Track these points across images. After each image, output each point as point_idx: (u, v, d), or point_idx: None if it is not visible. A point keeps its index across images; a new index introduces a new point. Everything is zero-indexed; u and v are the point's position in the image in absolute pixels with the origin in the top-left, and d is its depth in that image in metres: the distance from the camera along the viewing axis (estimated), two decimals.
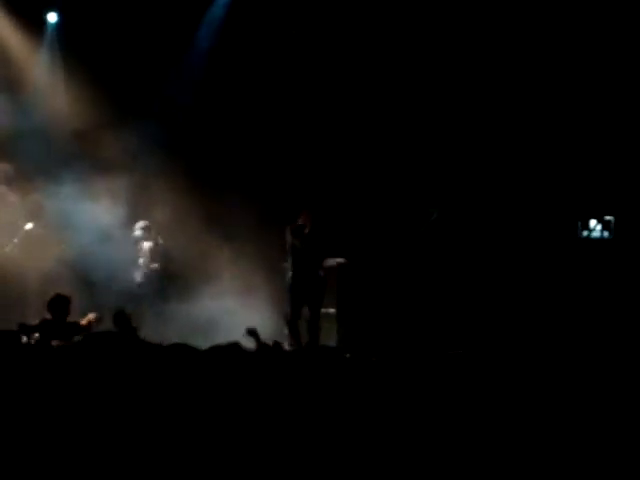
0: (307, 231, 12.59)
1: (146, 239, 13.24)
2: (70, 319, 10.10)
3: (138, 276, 13.17)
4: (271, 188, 14.00)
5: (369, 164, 14.12)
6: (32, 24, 13.76)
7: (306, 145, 14.14)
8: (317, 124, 14.16)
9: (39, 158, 13.06)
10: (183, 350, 4.65)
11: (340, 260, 13.28)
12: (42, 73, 13.83)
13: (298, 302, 12.56)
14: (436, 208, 13.52)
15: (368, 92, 14.02)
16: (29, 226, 12.69)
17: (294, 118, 14.22)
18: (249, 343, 10.19)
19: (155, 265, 13.22)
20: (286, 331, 12.23)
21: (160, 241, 13.32)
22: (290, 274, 12.65)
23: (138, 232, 13.22)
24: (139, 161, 13.52)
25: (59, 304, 9.93)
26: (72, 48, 13.80)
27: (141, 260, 13.18)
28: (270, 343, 6.01)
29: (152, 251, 13.25)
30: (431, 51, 13.79)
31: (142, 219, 13.38)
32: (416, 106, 13.93)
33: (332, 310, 13.28)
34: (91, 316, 9.91)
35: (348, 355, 4.91)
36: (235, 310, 12.52)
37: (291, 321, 12.40)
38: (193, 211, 13.26)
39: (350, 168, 14.13)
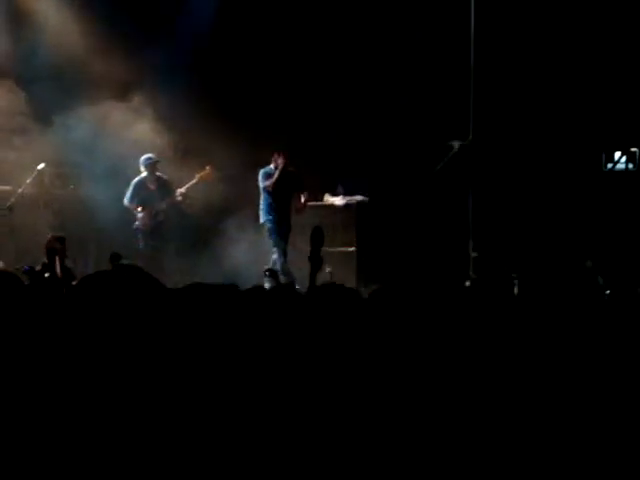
0: (278, 174, 12.18)
1: (151, 174, 12.53)
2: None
3: (145, 219, 12.60)
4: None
5: (385, 99, 13.90)
6: None
7: (322, 77, 13.88)
8: (332, 58, 13.91)
9: (54, 93, 12.82)
10: (198, 290, 4.44)
11: (359, 198, 13.08)
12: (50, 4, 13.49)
13: (283, 242, 12.23)
14: (456, 141, 13.25)
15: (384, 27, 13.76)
16: (41, 166, 12.54)
17: (310, 53, 13.93)
18: (268, 284, 10.10)
19: (162, 205, 12.61)
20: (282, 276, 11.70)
21: (164, 176, 12.66)
22: (268, 217, 12.27)
23: (142, 169, 12.56)
24: (160, 86, 13.13)
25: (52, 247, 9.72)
26: None
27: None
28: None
29: (159, 190, 12.63)
30: None
31: (162, 150, 12.91)
32: (434, 37, 13.67)
33: (352, 248, 13.11)
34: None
35: (367, 294, 4.70)
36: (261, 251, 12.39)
37: (283, 262, 12.03)
38: (218, 139, 12.76)
39: (367, 104, 13.93)
